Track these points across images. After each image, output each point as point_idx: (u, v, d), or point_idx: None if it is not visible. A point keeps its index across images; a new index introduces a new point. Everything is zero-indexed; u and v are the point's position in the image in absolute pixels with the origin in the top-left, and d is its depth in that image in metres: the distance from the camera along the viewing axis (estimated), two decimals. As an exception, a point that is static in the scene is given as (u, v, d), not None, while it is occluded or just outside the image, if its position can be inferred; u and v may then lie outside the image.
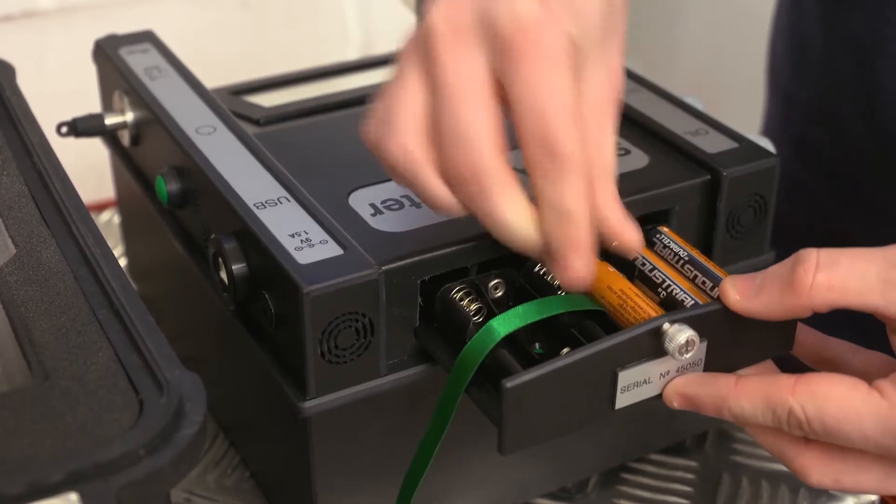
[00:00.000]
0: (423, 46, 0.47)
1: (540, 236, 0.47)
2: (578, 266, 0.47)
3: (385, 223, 0.54)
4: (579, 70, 0.48)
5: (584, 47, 0.47)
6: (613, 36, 0.50)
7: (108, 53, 0.68)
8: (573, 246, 0.47)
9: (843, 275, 0.46)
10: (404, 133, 0.47)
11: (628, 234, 0.49)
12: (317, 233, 0.52)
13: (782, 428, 0.48)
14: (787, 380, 0.48)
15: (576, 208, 0.46)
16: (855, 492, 0.48)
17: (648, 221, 0.57)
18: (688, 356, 0.47)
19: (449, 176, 0.47)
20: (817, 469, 0.48)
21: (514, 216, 0.47)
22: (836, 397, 0.46)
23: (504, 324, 0.50)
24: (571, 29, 0.47)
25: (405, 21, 1.15)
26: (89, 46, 0.71)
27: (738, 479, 0.64)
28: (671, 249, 0.54)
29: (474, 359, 0.49)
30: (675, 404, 0.50)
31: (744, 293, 0.48)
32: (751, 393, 0.48)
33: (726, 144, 0.59)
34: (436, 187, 0.47)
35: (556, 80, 0.46)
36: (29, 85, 0.64)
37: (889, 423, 0.45)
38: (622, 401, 0.48)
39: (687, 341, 0.47)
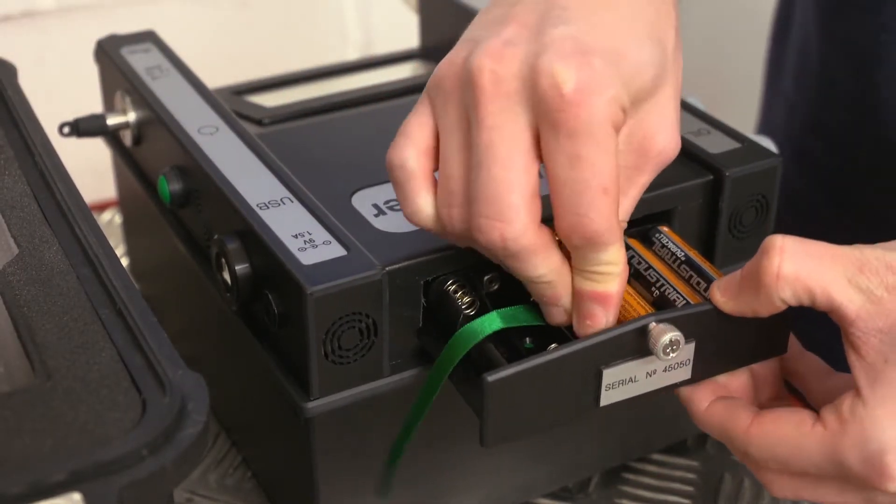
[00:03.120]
0: (465, 93, 0.46)
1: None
2: (594, 319, 0.49)
3: (388, 224, 0.54)
4: (626, 125, 0.47)
5: (633, 105, 0.47)
6: (666, 85, 0.48)
7: (109, 53, 0.68)
8: (600, 299, 0.48)
9: (811, 267, 0.45)
10: (404, 148, 0.48)
11: None
12: (320, 233, 0.52)
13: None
14: (744, 420, 0.49)
15: (606, 274, 0.47)
16: (815, 502, 0.49)
17: (650, 221, 0.57)
18: (672, 356, 0.47)
19: (477, 239, 0.47)
20: (777, 484, 0.49)
21: (542, 272, 0.48)
22: (785, 439, 0.47)
23: (505, 318, 0.50)
24: (619, 93, 0.45)
25: (405, 21, 1.15)
26: (90, 46, 0.71)
27: (739, 478, 0.64)
28: (669, 249, 0.54)
29: (469, 340, 0.50)
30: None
31: (726, 292, 0.48)
32: (714, 423, 0.50)
33: (728, 144, 0.59)
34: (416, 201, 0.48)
35: (596, 153, 0.45)
36: (30, 85, 0.64)
37: (835, 455, 0.46)
38: (607, 398, 0.48)
39: (671, 341, 0.47)
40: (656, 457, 0.65)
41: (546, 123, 0.45)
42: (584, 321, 0.49)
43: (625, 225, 0.50)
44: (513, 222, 0.46)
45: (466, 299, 0.52)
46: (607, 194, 0.45)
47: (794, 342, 0.53)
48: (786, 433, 0.47)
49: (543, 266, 0.47)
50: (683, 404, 0.51)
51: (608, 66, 0.45)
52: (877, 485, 0.45)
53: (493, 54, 0.46)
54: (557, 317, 0.50)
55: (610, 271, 0.48)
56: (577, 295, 0.49)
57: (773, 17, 0.86)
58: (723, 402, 0.50)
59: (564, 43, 0.45)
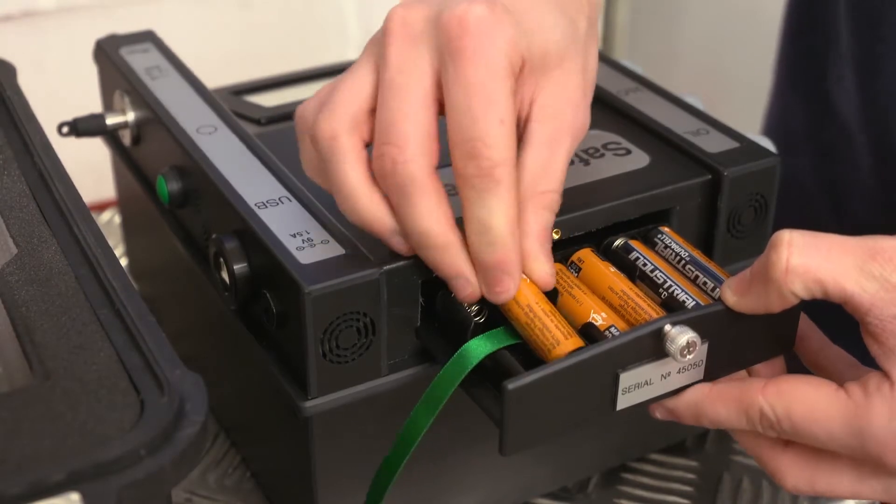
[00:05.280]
0: (378, 42, 0.49)
1: (456, 253, 0.48)
2: (501, 285, 0.48)
3: (386, 223, 0.54)
4: (528, 85, 0.48)
5: (534, 61, 0.48)
6: (573, 60, 0.49)
7: (108, 53, 0.68)
8: (496, 263, 0.47)
9: (820, 259, 0.45)
10: (339, 118, 0.48)
11: (537, 271, 0.49)
12: (318, 232, 0.52)
13: (756, 429, 0.48)
14: (757, 382, 0.48)
15: (497, 224, 0.46)
16: (829, 496, 0.48)
17: (649, 221, 0.57)
18: (689, 357, 0.47)
19: (375, 169, 0.48)
20: (792, 472, 0.49)
21: (430, 223, 0.47)
22: (804, 398, 0.47)
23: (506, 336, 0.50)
24: (517, 36, 0.47)
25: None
26: (89, 46, 0.71)
27: (738, 478, 0.64)
28: (672, 250, 0.54)
29: (476, 355, 0.49)
30: (658, 415, 0.50)
31: (738, 291, 0.48)
32: (724, 397, 0.49)
33: (727, 144, 0.59)
34: (350, 177, 0.48)
35: (492, 83, 0.46)
36: (30, 85, 0.64)
37: (854, 423, 0.45)
38: (623, 402, 0.48)
39: (688, 343, 0.47)
40: (655, 457, 0.65)
41: (446, 54, 0.46)
42: (493, 290, 0.48)
43: (557, 201, 0.49)
44: (404, 148, 0.46)
45: (474, 307, 0.52)
46: (503, 125, 0.46)
47: (819, 335, 0.53)
48: (805, 392, 0.47)
49: (430, 214, 0.47)
50: (676, 406, 0.51)
51: (510, 15, 0.47)
52: None
53: (407, 4, 0.48)
54: (464, 290, 0.49)
55: (499, 226, 0.47)
56: (476, 265, 0.48)
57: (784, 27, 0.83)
58: (731, 380, 0.50)
59: None
